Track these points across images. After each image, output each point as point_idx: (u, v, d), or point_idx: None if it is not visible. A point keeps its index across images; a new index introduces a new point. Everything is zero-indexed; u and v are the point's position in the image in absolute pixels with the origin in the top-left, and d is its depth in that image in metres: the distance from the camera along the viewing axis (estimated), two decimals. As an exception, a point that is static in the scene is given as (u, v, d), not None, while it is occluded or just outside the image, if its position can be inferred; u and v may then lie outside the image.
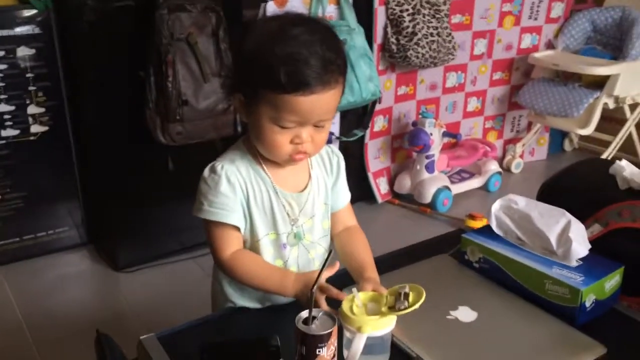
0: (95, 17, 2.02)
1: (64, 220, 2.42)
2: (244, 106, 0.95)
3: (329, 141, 1.17)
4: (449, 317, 0.91)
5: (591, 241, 1.00)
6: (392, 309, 0.82)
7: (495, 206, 1.06)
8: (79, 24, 2.06)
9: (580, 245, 0.96)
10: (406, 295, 0.82)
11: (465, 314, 0.92)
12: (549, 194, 1.15)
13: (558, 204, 1.04)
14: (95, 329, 0.89)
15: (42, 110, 2.27)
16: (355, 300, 0.83)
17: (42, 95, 2.25)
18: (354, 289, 0.85)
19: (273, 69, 0.86)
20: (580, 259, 0.96)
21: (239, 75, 0.95)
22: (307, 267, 1.05)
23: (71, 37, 2.22)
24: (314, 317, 0.78)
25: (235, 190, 0.96)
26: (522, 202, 1.04)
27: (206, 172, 0.98)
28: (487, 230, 1.07)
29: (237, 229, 0.98)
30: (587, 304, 0.91)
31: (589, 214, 1.05)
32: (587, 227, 1.02)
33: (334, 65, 0.89)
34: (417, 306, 0.80)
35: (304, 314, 0.79)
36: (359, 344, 0.79)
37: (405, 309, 0.80)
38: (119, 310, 2.09)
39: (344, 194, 1.10)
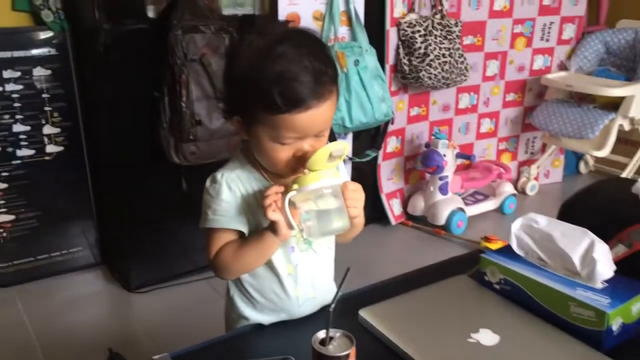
0: (110, 39, 2.05)
1: (78, 240, 2.42)
2: (242, 127, 0.94)
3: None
4: (470, 340, 0.89)
5: (615, 262, 0.97)
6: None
7: (516, 225, 1.03)
8: (94, 46, 2.08)
9: (605, 266, 0.93)
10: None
11: (487, 337, 0.89)
12: (570, 213, 1.12)
13: (579, 223, 1.02)
14: (107, 347, 0.88)
15: (58, 130, 2.29)
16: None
17: (58, 116, 2.27)
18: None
19: (266, 91, 0.85)
20: (605, 281, 0.94)
21: (233, 99, 0.94)
22: (319, 270, 1.05)
23: (86, 59, 2.24)
24: (331, 338, 0.76)
25: (236, 196, 0.97)
26: (543, 222, 1.01)
27: (208, 182, 0.99)
28: (507, 250, 1.04)
29: (237, 234, 0.98)
30: (614, 328, 0.88)
31: (611, 234, 1.03)
32: (610, 248, 0.99)
33: (326, 76, 0.88)
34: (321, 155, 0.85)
35: (321, 334, 0.77)
36: (285, 204, 0.87)
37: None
38: (131, 331, 2.07)
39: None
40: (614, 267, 0.95)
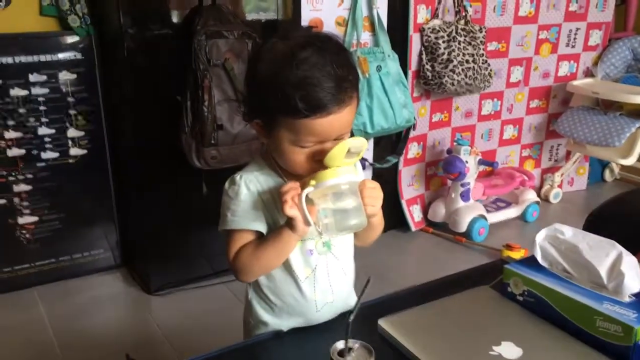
0: (135, 44, 2.07)
1: (99, 242, 2.45)
2: (262, 130, 0.95)
3: (362, 167, 1.16)
4: (492, 352, 0.87)
5: (643, 276, 0.94)
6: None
7: (540, 236, 1.01)
8: (118, 50, 2.11)
9: (632, 279, 0.90)
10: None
11: (509, 350, 0.87)
12: (597, 224, 1.10)
13: (606, 234, 0.99)
14: (125, 353, 0.88)
15: (82, 133, 2.31)
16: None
17: (82, 119, 2.30)
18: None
19: (288, 95, 0.86)
20: (633, 295, 0.91)
21: (254, 102, 0.95)
22: (338, 276, 1.04)
23: (111, 63, 2.27)
24: (350, 349, 0.75)
25: (254, 197, 0.97)
26: (569, 232, 0.99)
27: (226, 184, 0.99)
28: (531, 261, 1.02)
29: (256, 234, 0.98)
30: (642, 343, 0.85)
31: (639, 246, 1.00)
32: (638, 260, 0.96)
33: (347, 82, 0.89)
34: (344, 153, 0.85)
35: (340, 344, 0.76)
36: (302, 200, 0.86)
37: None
38: (150, 333, 2.08)
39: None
40: (642, 281, 0.92)
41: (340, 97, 0.87)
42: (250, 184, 0.97)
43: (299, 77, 0.85)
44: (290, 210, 0.88)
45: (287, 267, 1.01)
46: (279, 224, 0.97)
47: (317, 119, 0.87)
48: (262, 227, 0.97)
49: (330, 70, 0.86)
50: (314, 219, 0.89)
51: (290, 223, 0.91)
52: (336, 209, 0.88)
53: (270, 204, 0.97)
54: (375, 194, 0.93)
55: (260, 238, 0.98)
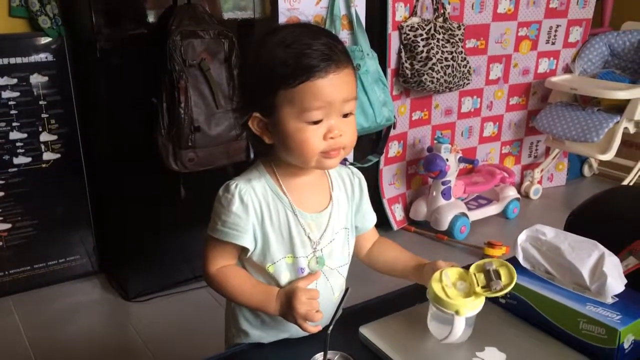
0: (108, 44, 2.02)
1: (75, 248, 2.39)
2: (263, 124, 0.91)
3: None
4: (475, 359, 0.85)
5: (626, 275, 0.93)
6: (485, 288, 0.83)
7: (522, 237, 1.00)
8: (91, 52, 2.05)
9: (615, 280, 0.89)
10: (497, 274, 0.83)
11: (493, 356, 0.85)
12: (578, 223, 1.09)
13: (588, 234, 0.98)
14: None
15: (55, 137, 2.26)
16: (445, 280, 0.84)
17: (55, 123, 2.24)
18: (443, 271, 0.87)
19: (284, 64, 0.85)
20: (616, 296, 0.90)
21: (251, 93, 0.92)
22: (325, 296, 1.00)
23: (84, 64, 2.21)
24: (330, 361, 0.73)
25: (247, 210, 0.93)
26: (550, 233, 0.98)
27: (221, 191, 0.96)
28: (513, 263, 1.00)
29: (241, 249, 0.96)
30: (626, 345, 0.84)
31: (622, 246, 0.99)
32: (620, 260, 0.95)
33: (339, 50, 0.88)
34: (512, 285, 0.82)
35: (319, 357, 0.73)
36: (459, 327, 0.81)
37: (502, 289, 0.81)
38: (129, 341, 2.04)
39: (371, 214, 1.09)
40: (625, 281, 0.91)
41: (335, 57, 0.87)
42: (244, 195, 0.93)
43: (293, 47, 0.86)
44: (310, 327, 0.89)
45: (277, 285, 0.98)
46: (267, 237, 0.94)
47: (317, 80, 0.85)
48: (249, 243, 0.95)
49: (322, 38, 0.87)
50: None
51: (287, 318, 0.91)
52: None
53: (263, 216, 0.94)
54: None
55: (244, 252, 0.96)
